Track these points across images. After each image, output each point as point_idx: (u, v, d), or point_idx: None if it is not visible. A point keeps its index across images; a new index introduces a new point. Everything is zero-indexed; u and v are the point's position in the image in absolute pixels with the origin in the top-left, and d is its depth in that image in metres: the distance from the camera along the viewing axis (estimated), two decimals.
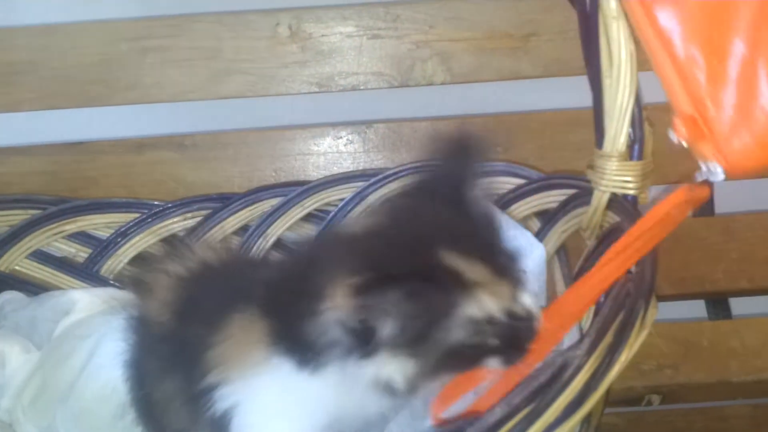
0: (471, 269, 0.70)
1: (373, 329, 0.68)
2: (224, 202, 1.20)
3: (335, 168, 1.27)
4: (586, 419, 0.74)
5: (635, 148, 0.87)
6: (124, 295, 1.00)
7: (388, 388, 0.71)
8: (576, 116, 1.27)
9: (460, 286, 0.70)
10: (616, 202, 0.87)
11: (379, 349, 0.69)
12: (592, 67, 0.86)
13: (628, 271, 0.76)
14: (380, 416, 0.80)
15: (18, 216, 1.19)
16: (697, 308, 1.30)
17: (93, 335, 0.98)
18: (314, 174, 1.27)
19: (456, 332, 0.70)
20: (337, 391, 0.73)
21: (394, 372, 0.70)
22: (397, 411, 0.82)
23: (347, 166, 1.27)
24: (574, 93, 1.20)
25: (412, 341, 0.70)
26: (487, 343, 0.70)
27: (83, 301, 1.06)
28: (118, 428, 0.90)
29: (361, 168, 1.26)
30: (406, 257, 0.71)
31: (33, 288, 1.17)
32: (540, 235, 1.01)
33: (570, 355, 0.64)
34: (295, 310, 0.71)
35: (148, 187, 1.27)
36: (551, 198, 1.02)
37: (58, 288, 1.17)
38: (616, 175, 0.87)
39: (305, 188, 1.18)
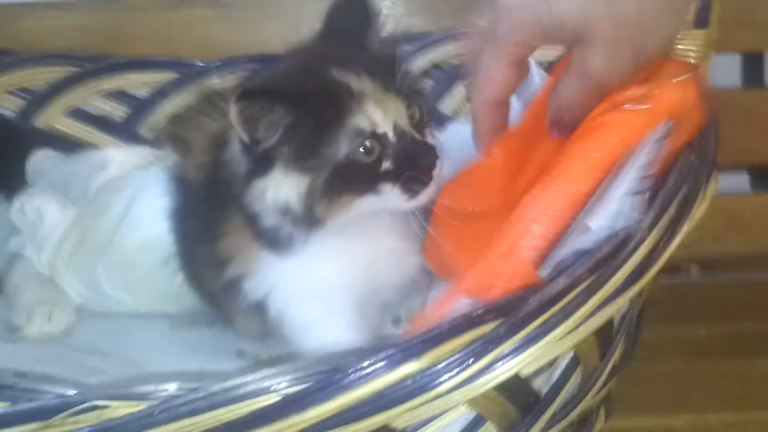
0: (359, 82, 0.72)
1: (259, 141, 0.72)
2: (264, 63, 1.17)
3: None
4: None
5: (702, 16, 0.83)
6: (160, 153, 1.00)
7: (287, 212, 0.74)
8: None
9: (346, 97, 0.72)
10: None
11: (271, 167, 0.72)
12: None
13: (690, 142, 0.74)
14: (410, 281, 0.80)
15: (56, 73, 1.17)
16: (740, 181, 1.28)
17: (129, 188, 0.98)
18: None
19: (343, 145, 0.72)
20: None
21: (289, 191, 0.73)
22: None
23: (389, 29, 1.22)
24: None
25: (301, 156, 0.72)
26: (380, 163, 0.73)
27: (118, 157, 1.06)
28: (161, 277, 0.91)
29: (403, 28, 1.22)
30: (296, 76, 0.75)
31: (71, 146, 1.16)
32: None
33: (632, 228, 0.63)
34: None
35: (186, 46, 1.24)
36: None
37: (97, 147, 1.17)
38: (681, 44, 0.84)
39: None
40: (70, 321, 0.95)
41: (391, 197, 0.74)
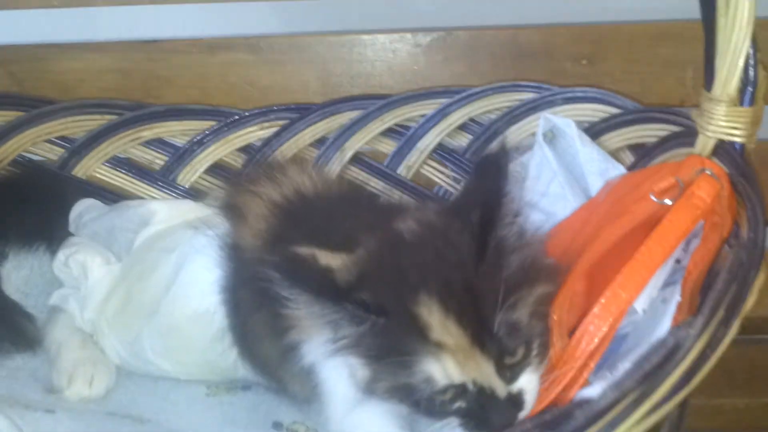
0: (442, 328, 0.67)
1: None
2: (302, 112, 1.17)
3: (413, 76, 1.22)
4: None
5: (747, 93, 0.82)
6: (205, 210, 1.00)
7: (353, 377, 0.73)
8: (665, 29, 1.21)
9: (423, 342, 0.67)
10: (722, 149, 0.83)
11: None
12: (706, 4, 0.81)
13: (737, 236, 0.74)
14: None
15: (95, 121, 1.18)
16: None
17: (177, 249, 0.97)
18: (391, 82, 1.23)
19: (413, 380, 0.69)
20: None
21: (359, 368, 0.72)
22: None
23: (425, 75, 1.22)
24: (662, 2, 1.16)
25: (372, 355, 0.71)
26: (454, 401, 0.69)
27: (162, 212, 1.05)
28: (216, 350, 0.91)
29: (438, 78, 1.21)
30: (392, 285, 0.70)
31: (110, 195, 1.18)
32: (633, 170, 0.97)
33: (682, 335, 0.63)
34: None
35: (222, 89, 1.24)
36: (648, 132, 0.99)
37: (134, 195, 1.18)
38: (724, 121, 0.82)
39: (386, 102, 1.16)
40: (110, 385, 0.95)
41: (451, 428, 0.72)
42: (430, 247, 0.71)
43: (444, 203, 0.94)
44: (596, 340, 0.68)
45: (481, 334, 0.67)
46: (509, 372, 0.69)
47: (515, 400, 0.68)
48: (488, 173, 0.71)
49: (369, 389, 0.73)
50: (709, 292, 0.66)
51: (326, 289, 0.68)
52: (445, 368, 0.68)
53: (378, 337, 0.69)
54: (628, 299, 0.69)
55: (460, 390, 0.69)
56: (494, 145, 1.12)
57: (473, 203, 0.71)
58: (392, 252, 0.73)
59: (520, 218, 0.73)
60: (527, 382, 0.69)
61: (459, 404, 0.69)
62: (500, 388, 0.68)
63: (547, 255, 0.77)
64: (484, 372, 0.68)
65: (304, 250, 0.73)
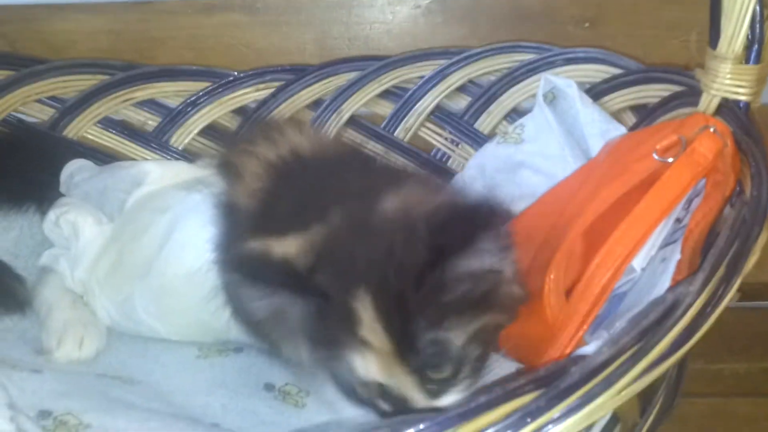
0: (371, 329, 0.66)
1: None
2: (298, 74, 1.15)
3: (412, 40, 1.20)
4: None
5: (753, 51, 0.80)
6: (199, 170, 0.99)
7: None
8: None
9: (351, 332, 0.67)
10: (726, 107, 0.81)
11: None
12: None
13: (740, 195, 0.72)
14: None
15: (87, 81, 1.16)
16: None
17: (170, 210, 0.95)
18: (390, 45, 1.20)
19: (342, 362, 0.68)
20: None
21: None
22: None
23: (425, 38, 1.20)
24: None
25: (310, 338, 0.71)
26: (373, 391, 0.69)
27: (155, 172, 1.03)
28: (209, 309, 0.88)
29: (438, 41, 1.19)
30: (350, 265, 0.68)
31: (101, 156, 1.16)
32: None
33: (681, 291, 0.61)
34: None
35: (217, 51, 1.22)
36: (650, 92, 0.96)
37: (127, 157, 1.16)
38: (729, 79, 0.80)
39: (383, 63, 1.14)
40: (100, 346, 0.93)
41: (366, 411, 0.71)
42: (387, 238, 0.69)
43: (441, 186, 0.91)
44: (592, 298, 0.67)
45: (404, 345, 0.66)
46: (436, 386, 0.68)
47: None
48: (489, 214, 0.67)
49: (314, 367, 0.73)
50: (711, 248, 0.64)
51: (287, 278, 0.68)
52: (367, 365, 0.67)
53: (319, 320, 0.69)
54: (624, 254, 0.68)
55: (381, 389, 0.68)
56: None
57: (458, 218, 0.67)
58: (351, 235, 0.71)
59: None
60: (452, 400, 0.68)
61: (379, 402, 0.69)
62: (419, 401, 0.67)
63: (522, 285, 0.74)
64: (401, 381, 0.67)
65: (257, 245, 0.72)
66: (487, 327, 0.70)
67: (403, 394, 0.67)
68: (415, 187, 0.76)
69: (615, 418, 0.66)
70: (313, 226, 0.72)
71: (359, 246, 0.69)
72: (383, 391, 0.68)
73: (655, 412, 0.71)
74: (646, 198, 0.70)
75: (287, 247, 0.71)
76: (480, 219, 0.66)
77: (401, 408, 0.68)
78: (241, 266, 0.70)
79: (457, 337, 0.67)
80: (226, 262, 0.77)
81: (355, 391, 0.70)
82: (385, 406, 0.69)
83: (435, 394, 0.68)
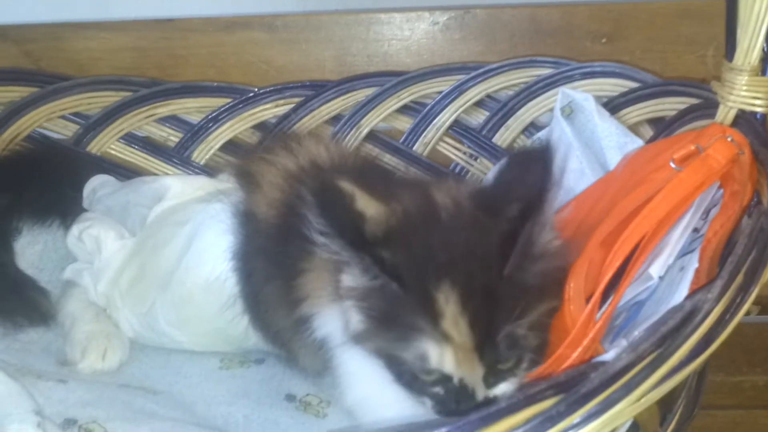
0: (454, 323, 0.66)
1: None
2: (317, 90, 1.17)
3: (430, 56, 1.21)
4: None
5: None
6: (219, 184, 1.00)
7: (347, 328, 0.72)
8: (686, 7, 1.19)
9: (431, 323, 0.66)
10: (743, 119, 0.81)
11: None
12: None
13: (757, 204, 0.72)
14: None
15: (110, 98, 1.18)
16: None
17: (190, 222, 0.96)
18: (408, 61, 1.22)
19: (407, 354, 0.68)
20: None
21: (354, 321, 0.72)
22: None
23: (443, 54, 1.21)
24: None
25: (368, 315, 0.70)
26: (434, 385, 0.69)
27: (176, 187, 1.04)
28: (225, 318, 0.90)
29: (456, 57, 1.20)
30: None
31: (124, 171, 1.18)
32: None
33: (699, 299, 0.61)
34: None
35: (238, 68, 1.23)
36: (667, 105, 0.97)
37: (149, 172, 1.18)
38: (745, 91, 0.81)
39: (402, 78, 1.15)
40: (123, 358, 0.95)
41: (425, 407, 0.71)
42: (461, 233, 0.69)
43: (475, 186, 0.90)
44: (599, 293, 0.68)
45: (485, 342, 0.66)
46: (493, 378, 0.68)
47: (489, 403, 0.67)
48: (532, 169, 0.68)
49: (357, 341, 0.72)
50: (729, 257, 0.64)
51: (351, 233, 0.67)
52: (442, 357, 0.67)
53: (384, 300, 0.68)
54: (630, 248, 0.69)
55: (445, 379, 0.68)
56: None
57: (511, 197, 0.68)
58: (426, 224, 0.71)
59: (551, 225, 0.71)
60: (504, 390, 0.69)
61: (438, 389, 0.69)
62: (481, 392, 0.68)
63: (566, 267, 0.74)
64: (474, 374, 0.67)
65: (346, 186, 0.71)
66: (548, 312, 0.70)
67: (470, 385, 0.67)
68: (456, 186, 0.78)
69: (635, 426, 0.67)
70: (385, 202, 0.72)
71: (436, 236, 0.69)
72: (446, 379, 0.68)
73: (675, 421, 0.71)
74: (656, 198, 0.70)
75: (368, 206, 0.71)
76: (532, 194, 0.67)
77: (459, 398, 0.68)
78: (323, 192, 0.68)
79: (525, 327, 0.67)
80: (306, 182, 0.74)
81: (411, 375, 0.69)
82: (441, 392, 0.69)
83: (492, 384, 0.68)
